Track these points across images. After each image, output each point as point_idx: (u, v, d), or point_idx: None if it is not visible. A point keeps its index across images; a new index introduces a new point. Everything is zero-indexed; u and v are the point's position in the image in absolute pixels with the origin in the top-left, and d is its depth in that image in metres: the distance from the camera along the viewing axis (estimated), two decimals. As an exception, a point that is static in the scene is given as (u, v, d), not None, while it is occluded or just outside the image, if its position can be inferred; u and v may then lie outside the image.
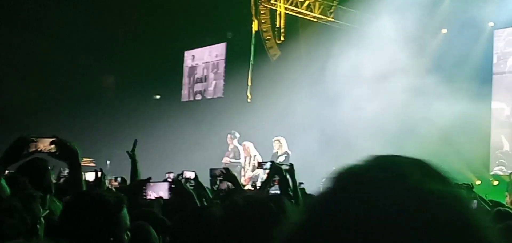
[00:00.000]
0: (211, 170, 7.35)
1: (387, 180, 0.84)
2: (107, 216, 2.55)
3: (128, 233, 2.65)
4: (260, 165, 7.40)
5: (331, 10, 16.80)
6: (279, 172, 5.80)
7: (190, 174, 7.00)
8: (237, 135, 14.76)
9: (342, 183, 0.88)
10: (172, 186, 4.54)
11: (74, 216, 2.58)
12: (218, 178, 7.52)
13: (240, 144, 14.64)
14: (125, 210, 2.64)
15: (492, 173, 14.86)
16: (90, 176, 5.84)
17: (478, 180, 14.25)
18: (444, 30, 15.83)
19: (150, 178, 4.54)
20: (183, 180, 6.60)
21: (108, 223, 2.55)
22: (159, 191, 4.60)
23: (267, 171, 6.22)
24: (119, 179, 9.95)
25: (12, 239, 2.22)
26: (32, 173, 4.17)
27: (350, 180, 0.88)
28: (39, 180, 4.14)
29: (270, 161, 6.70)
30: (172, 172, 9.01)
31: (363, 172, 0.88)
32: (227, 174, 6.25)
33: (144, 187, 4.49)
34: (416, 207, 0.82)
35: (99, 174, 5.44)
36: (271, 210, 2.33)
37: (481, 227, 0.84)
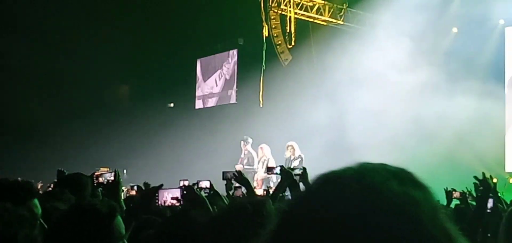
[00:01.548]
0: (224, 172, 7.41)
1: (350, 181, 0.99)
2: (99, 225, 2.57)
3: (124, 241, 2.67)
4: (270, 170, 7.45)
5: (341, 13, 16.85)
6: (288, 176, 5.88)
7: (205, 184, 7.02)
8: (250, 140, 14.76)
9: (313, 188, 1.03)
10: (184, 192, 4.58)
11: (66, 226, 2.60)
12: (233, 185, 7.59)
13: (254, 150, 14.68)
14: (118, 219, 2.65)
15: (508, 171, 14.80)
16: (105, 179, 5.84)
17: (494, 178, 14.19)
18: (455, 29, 15.82)
19: (162, 185, 4.58)
20: (198, 190, 6.66)
21: (101, 232, 2.57)
22: (172, 197, 4.65)
23: (278, 175, 6.29)
24: (135, 187, 10.07)
25: None
26: (73, 186, 4.30)
27: (319, 185, 1.03)
28: (80, 194, 4.26)
29: (280, 166, 6.76)
30: (186, 180, 9.10)
31: (333, 177, 1.03)
32: (239, 177, 6.31)
33: (156, 194, 4.53)
34: (370, 205, 0.95)
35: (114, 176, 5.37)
36: (249, 215, 2.44)
37: (435, 232, 0.96)
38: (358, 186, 0.98)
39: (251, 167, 14.31)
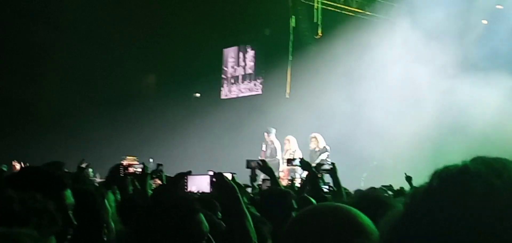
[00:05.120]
0: (248, 161, 7.33)
1: (487, 177, 0.94)
2: (181, 221, 2.46)
3: (209, 237, 2.54)
4: (290, 162, 7.39)
5: (369, 4, 16.70)
6: (308, 168, 5.85)
7: (228, 176, 7.00)
8: (273, 130, 14.71)
9: (444, 177, 0.97)
10: (213, 179, 4.52)
11: (147, 221, 2.52)
12: (258, 176, 7.56)
13: (277, 140, 14.63)
14: (201, 216, 2.53)
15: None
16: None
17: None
18: (485, 21, 15.53)
19: (190, 171, 4.52)
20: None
21: (182, 229, 2.46)
22: (200, 184, 4.60)
23: (297, 166, 6.24)
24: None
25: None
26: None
27: (451, 176, 0.97)
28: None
29: (299, 158, 6.71)
30: (212, 171, 9.11)
31: (464, 169, 0.98)
32: (264, 166, 6.28)
33: (184, 180, 4.47)
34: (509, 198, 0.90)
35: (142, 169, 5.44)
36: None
37: None
38: (499, 181, 0.92)
39: (273, 158, 14.21)
